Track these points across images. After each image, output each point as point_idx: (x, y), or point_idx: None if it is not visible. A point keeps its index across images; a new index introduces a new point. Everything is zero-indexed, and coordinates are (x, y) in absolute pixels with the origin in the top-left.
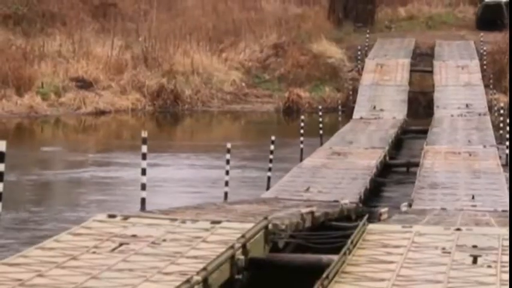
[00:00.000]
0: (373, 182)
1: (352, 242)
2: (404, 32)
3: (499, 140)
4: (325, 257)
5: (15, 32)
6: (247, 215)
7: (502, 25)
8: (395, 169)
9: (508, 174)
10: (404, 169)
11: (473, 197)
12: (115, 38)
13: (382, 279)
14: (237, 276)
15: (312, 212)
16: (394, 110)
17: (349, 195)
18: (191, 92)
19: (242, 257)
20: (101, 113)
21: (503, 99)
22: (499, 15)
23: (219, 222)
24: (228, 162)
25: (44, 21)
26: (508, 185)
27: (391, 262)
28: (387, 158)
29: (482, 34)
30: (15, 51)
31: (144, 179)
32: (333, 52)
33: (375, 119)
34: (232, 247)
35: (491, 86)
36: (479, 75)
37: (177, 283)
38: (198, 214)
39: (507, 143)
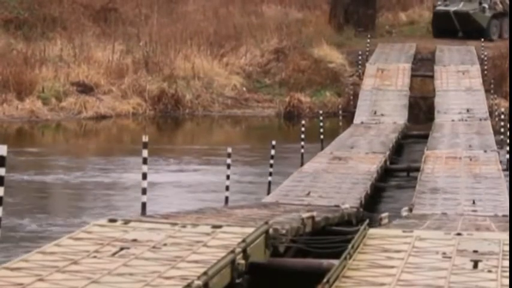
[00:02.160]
0: (374, 187)
1: (352, 247)
2: (405, 37)
3: (500, 144)
4: (325, 262)
5: (16, 36)
6: (248, 220)
7: (455, 33)
8: (396, 174)
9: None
10: (404, 174)
11: (473, 202)
12: (116, 42)
13: (383, 284)
14: (237, 281)
15: (313, 217)
16: (394, 115)
17: (349, 199)
18: (192, 97)
19: (243, 262)
20: (102, 117)
21: (503, 104)
22: (448, 23)
23: (219, 226)
24: (228, 166)
25: (45, 26)
26: (509, 190)
27: (392, 267)
28: (388, 162)
29: (483, 39)
30: (16, 55)
31: (144, 184)
32: (334, 57)
33: (375, 123)
34: (232, 251)
35: (492, 91)
36: (480, 80)
37: (178, 287)
38: (198, 218)
39: (507, 148)
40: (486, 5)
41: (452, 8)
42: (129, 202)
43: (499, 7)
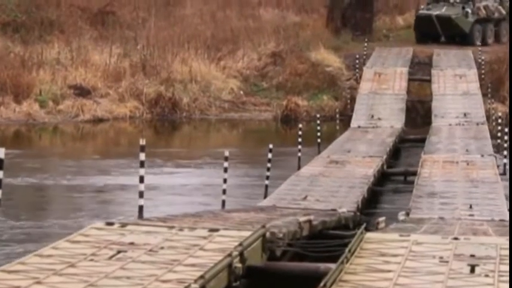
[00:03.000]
0: (371, 191)
1: (349, 251)
2: (402, 41)
3: (497, 149)
4: (322, 266)
5: (13, 39)
6: (245, 223)
7: (437, 38)
8: (393, 178)
9: (506, 184)
10: (402, 178)
11: (471, 206)
12: (113, 45)
13: None
14: (234, 284)
15: (310, 221)
16: (392, 119)
17: (346, 203)
18: (189, 100)
19: (240, 265)
20: (99, 120)
21: (501, 109)
22: (430, 28)
23: (216, 230)
24: (225, 170)
25: (43, 29)
26: (506, 194)
27: (389, 271)
28: (385, 166)
29: (479, 43)
30: (14, 58)
31: (142, 187)
32: (331, 61)
33: (372, 127)
34: (229, 255)
35: (489, 95)
36: (477, 84)
37: None
38: (195, 222)
39: (505, 152)
40: (469, 10)
41: (434, 12)
42: (95, 205)
43: (482, 12)
